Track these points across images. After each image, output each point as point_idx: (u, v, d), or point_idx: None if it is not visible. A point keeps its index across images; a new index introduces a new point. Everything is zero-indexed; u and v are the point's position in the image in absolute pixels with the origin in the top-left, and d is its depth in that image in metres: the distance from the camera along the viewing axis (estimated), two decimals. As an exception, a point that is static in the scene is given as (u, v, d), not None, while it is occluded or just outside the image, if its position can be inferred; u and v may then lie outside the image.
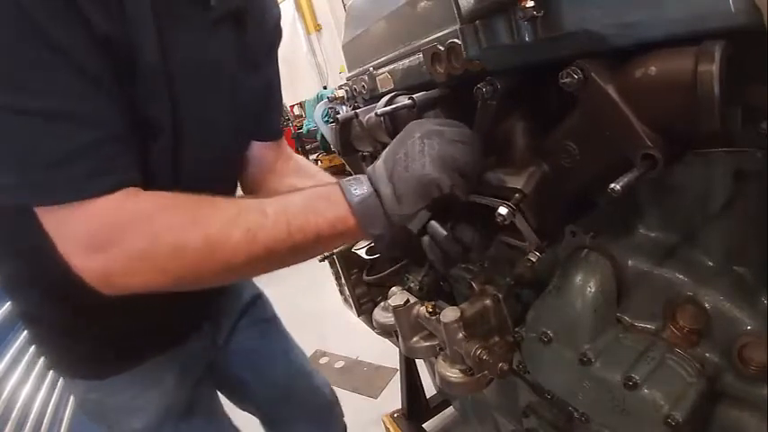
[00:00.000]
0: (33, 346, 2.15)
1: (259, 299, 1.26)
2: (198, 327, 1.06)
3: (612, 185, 0.48)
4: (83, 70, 0.57)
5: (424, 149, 0.62)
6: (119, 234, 0.60)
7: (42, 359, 2.14)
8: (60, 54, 0.55)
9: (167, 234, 0.62)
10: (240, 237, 0.62)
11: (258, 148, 1.02)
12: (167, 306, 0.81)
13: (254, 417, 1.30)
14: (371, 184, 0.65)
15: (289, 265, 0.69)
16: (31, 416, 1.87)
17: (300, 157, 1.15)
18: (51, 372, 2.17)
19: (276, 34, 0.99)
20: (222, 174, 0.92)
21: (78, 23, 0.56)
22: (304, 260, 0.69)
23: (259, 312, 1.24)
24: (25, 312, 0.90)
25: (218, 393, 1.19)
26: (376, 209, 0.64)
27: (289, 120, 6.91)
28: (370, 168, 0.67)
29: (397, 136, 0.67)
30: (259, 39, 0.91)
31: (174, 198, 0.65)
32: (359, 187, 0.65)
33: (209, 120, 0.80)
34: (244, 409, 1.29)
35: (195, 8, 0.74)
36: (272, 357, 1.23)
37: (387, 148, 0.67)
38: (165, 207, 0.64)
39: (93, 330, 0.88)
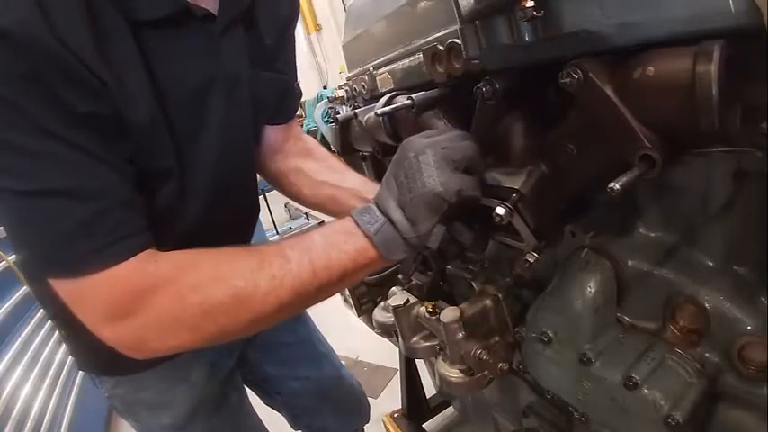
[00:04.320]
0: (33, 346, 2.16)
1: None
2: None
3: (612, 184, 0.48)
4: (76, 146, 0.57)
5: (420, 167, 0.62)
6: (144, 299, 0.60)
7: (43, 359, 2.16)
8: (48, 135, 0.55)
9: (193, 294, 0.61)
10: (267, 285, 0.62)
11: (268, 129, 1.01)
12: None
13: (276, 414, 1.29)
14: (381, 212, 0.65)
15: (315, 304, 0.69)
16: (31, 416, 1.87)
17: (311, 139, 1.11)
18: (51, 372, 2.19)
19: (292, 11, 0.96)
20: (239, 183, 0.90)
21: (62, 106, 0.55)
22: (329, 297, 0.68)
23: None
24: (57, 314, 0.91)
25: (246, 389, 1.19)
26: (393, 236, 0.64)
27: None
28: (375, 196, 0.68)
29: (393, 159, 0.67)
30: (274, 24, 0.88)
31: (193, 255, 0.64)
32: (371, 217, 0.65)
33: (222, 144, 0.78)
34: (270, 405, 1.29)
35: (197, 31, 0.71)
36: (300, 351, 1.24)
37: (386, 174, 0.67)
38: (186, 266, 0.63)
39: None
